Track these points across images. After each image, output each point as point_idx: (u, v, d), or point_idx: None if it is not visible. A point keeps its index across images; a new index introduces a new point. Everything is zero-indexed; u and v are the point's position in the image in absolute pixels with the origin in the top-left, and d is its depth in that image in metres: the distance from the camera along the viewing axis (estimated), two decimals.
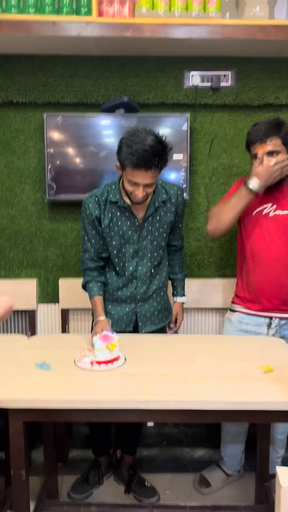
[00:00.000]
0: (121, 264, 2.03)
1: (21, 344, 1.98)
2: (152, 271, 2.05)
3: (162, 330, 2.16)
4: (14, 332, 2.64)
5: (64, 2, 2.03)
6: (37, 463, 2.31)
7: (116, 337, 1.75)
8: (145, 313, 2.07)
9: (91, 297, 2.03)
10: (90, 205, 1.98)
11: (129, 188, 1.84)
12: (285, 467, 0.95)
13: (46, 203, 2.52)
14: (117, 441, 2.37)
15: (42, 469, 2.18)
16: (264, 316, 2.08)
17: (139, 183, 1.80)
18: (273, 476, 2.05)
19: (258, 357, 1.79)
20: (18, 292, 2.56)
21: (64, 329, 2.59)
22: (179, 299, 2.23)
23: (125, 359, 1.77)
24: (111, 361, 1.72)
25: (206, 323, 2.64)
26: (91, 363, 1.71)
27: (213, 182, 2.52)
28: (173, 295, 2.24)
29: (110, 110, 2.37)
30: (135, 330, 2.08)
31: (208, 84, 2.39)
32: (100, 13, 2.07)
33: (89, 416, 1.55)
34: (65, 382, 1.60)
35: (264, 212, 2.04)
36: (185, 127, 2.38)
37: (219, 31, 2.05)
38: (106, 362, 1.71)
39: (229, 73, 2.40)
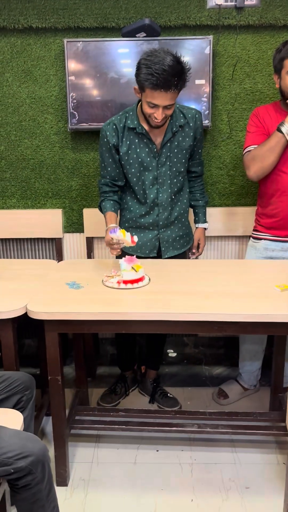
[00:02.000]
0: (142, 191, 2.08)
1: (51, 267, 2.11)
2: (173, 197, 2.11)
3: (183, 255, 2.25)
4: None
5: None
6: (68, 378, 2.51)
7: (119, 233, 1.85)
8: (168, 238, 2.15)
9: (104, 213, 2.10)
10: (108, 132, 2.00)
11: (148, 110, 1.85)
12: None
13: (69, 133, 2.55)
14: (141, 358, 2.56)
15: (73, 383, 2.38)
16: None
17: (158, 105, 1.81)
18: (287, 389, 2.20)
19: (277, 278, 1.87)
20: (45, 221, 2.66)
21: (90, 256, 2.70)
22: (201, 225, 2.29)
23: (149, 280, 1.88)
24: (137, 280, 1.83)
25: (227, 250, 2.71)
26: (118, 282, 1.83)
27: (235, 108, 2.49)
28: (195, 221, 2.30)
29: (131, 34, 2.32)
30: (159, 255, 2.17)
31: (232, 3, 2.31)
32: None
33: (118, 327, 1.69)
34: (95, 298, 1.72)
35: None
36: (207, 50, 2.33)
37: None
38: (132, 282, 1.82)
39: None
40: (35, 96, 2.51)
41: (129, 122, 1.98)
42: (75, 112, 2.44)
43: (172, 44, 2.31)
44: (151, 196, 2.07)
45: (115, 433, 2.12)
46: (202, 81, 2.37)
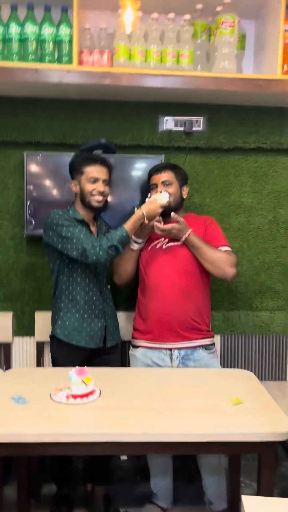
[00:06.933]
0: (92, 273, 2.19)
1: None
2: None
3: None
4: None
5: (47, 51, 2.15)
6: (9, 500, 2.28)
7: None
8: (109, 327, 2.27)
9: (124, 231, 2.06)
10: (65, 212, 2.15)
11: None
12: (249, 496, 1.01)
13: (24, 238, 2.58)
14: (87, 475, 2.38)
15: (15, 506, 2.15)
16: (164, 348, 2.18)
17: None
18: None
19: (227, 390, 1.85)
20: None
21: (39, 362, 2.61)
22: None
23: (100, 393, 1.81)
24: (86, 395, 1.75)
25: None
26: (67, 396, 1.75)
27: None
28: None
29: (88, 150, 2.47)
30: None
31: (181, 128, 2.55)
32: (80, 62, 2.20)
33: (64, 449, 1.58)
34: (41, 416, 1.63)
35: (158, 246, 2.23)
36: None
37: (191, 82, 2.21)
38: (82, 396, 1.74)
39: (201, 118, 2.56)
40: None
41: (76, 214, 2.17)
42: (32, 219, 2.49)
43: (127, 162, 2.48)
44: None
45: None
46: None
